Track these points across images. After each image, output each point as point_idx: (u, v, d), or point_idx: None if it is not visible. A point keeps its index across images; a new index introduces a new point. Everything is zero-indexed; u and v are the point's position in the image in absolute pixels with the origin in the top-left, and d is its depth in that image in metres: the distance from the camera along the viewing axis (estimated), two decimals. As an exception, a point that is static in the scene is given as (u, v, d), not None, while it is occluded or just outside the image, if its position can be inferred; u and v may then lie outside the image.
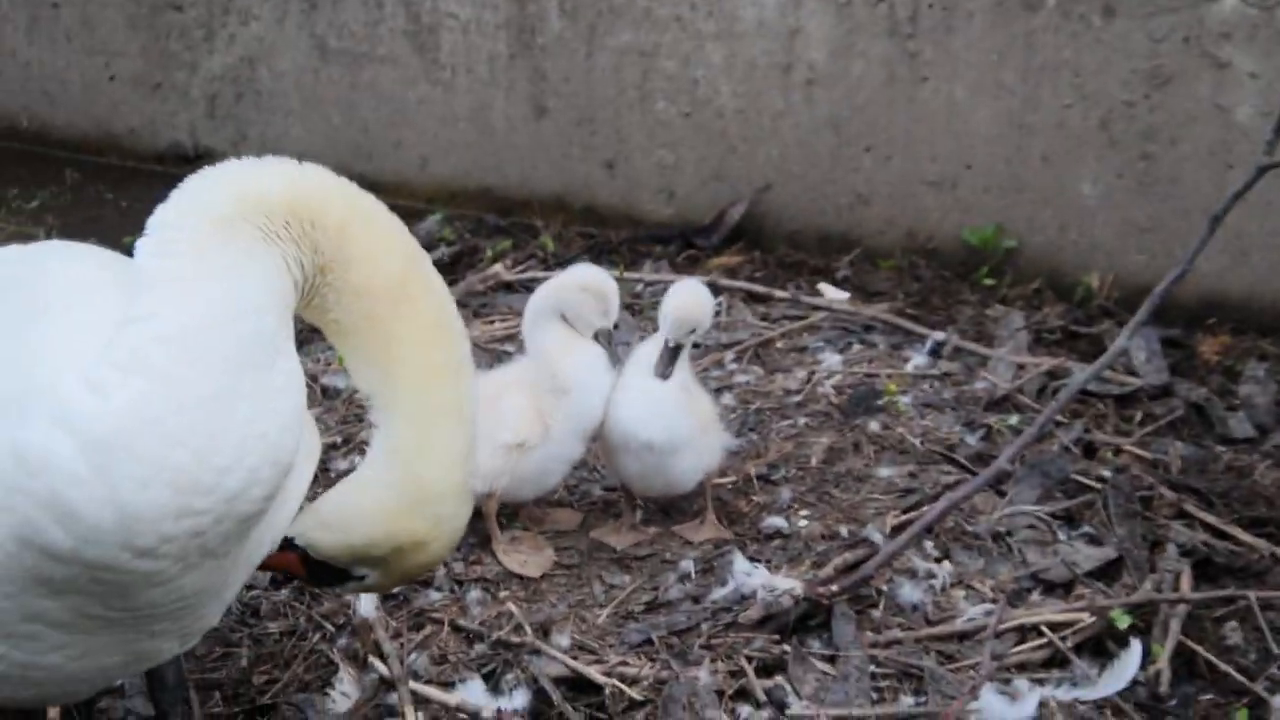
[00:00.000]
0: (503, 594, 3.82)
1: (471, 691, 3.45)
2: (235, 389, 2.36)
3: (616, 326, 4.17)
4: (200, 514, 2.32)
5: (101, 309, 2.43)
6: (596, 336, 4.03)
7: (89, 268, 2.70)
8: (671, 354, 3.97)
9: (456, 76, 6.23)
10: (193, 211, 2.50)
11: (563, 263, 4.46)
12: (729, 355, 4.99)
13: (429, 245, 5.69)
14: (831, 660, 3.56)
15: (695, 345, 4.24)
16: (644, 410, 3.95)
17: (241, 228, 2.51)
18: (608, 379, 4.04)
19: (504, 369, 4.25)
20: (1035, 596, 3.82)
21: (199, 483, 2.30)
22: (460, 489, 2.80)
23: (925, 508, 4.05)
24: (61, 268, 2.73)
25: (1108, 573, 3.92)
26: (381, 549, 2.80)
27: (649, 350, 4.02)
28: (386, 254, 2.69)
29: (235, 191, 2.54)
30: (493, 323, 5.27)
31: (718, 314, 5.11)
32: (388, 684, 3.47)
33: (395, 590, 3.78)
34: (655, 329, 4.10)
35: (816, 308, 5.39)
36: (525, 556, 3.97)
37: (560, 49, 6.04)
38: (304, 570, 2.89)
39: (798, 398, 4.75)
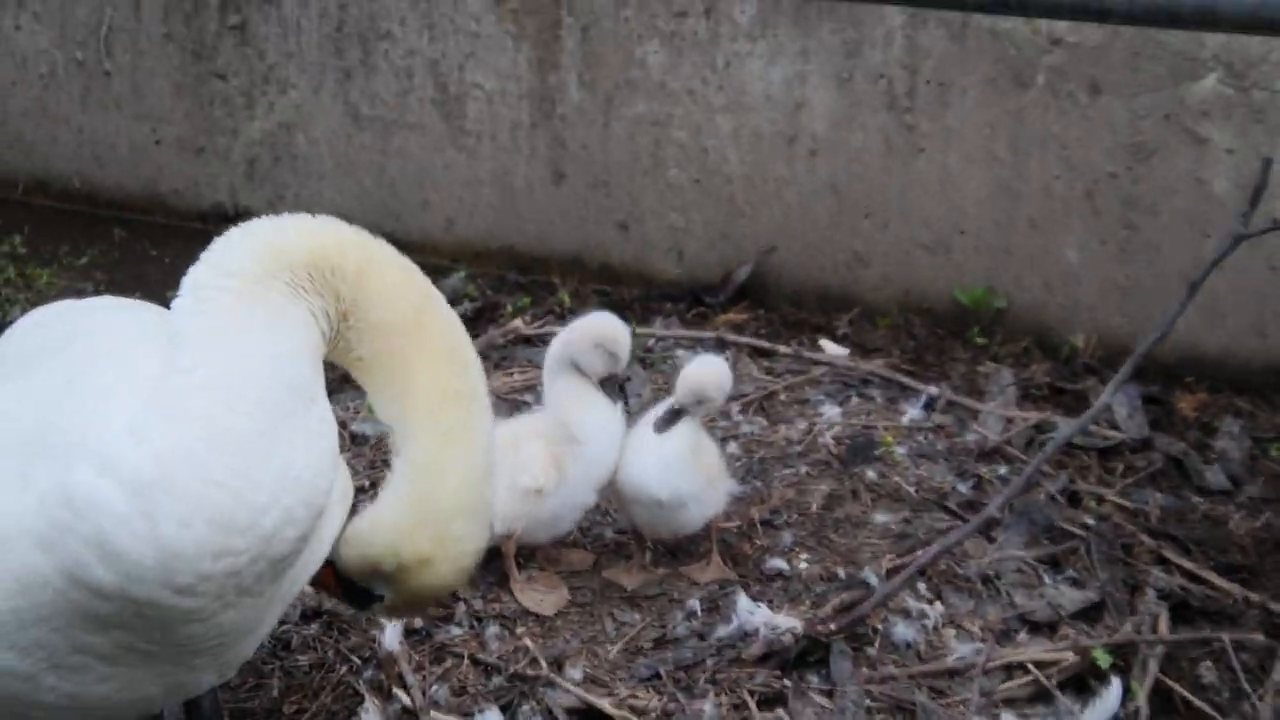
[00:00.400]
0: (519, 630, 3.83)
1: (489, 722, 3.46)
2: (272, 433, 2.39)
3: (629, 378, 4.18)
4: (237, 553, 2.35)
5: (145, 363, 2.46)
6: (603, 383, 4.04)
7: (135, 324, 2.74)
8: (673, 414, 3.99)
9: (481, 143, 6.27)
10: (224, 273, 2.54)
11: (575, 319, 4.47)
12: (735, 406, 5.00)
13: (453, 301, 5.66)
14: (829, 695, 3.57)
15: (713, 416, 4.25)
16: (655, 469, 3.97)
17: (270, 284, 2.55)
18: (620, 431, 4.05)
19: (523, 418, 4.26)
20: (1022, 636, 3.83)
21: (236, 522, 2.33)
22: (471, 510, 2.81)
23: (919, 552, 4.06)
24: (110, 323, 2.76)
25: (1090, 614, 3.92)
26: (390, 564, 2.81)
27: (660, 410, 4.05)
28: (401, 292, 2.74)
29: (261, 251, 2.59)
30: (512, 374, 5.28)
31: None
32: (411, 714, 3.48)
33: (417, 625, 3.80)
34: (665, 381, 4.12)
35: (817, 363, 5.40)
36: (541, 595, 3.98)
37: (579, 118, 6.09)
38: (336, 583, 2.92)
39: (799, 447, 4.76)
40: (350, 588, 2.92)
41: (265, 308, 2.52)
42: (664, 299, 5.99)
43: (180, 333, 2.46)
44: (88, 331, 2.74)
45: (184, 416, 2.33)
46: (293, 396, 2.46)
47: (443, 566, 2.81)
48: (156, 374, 2.40)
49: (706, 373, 4.04)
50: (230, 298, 2.50)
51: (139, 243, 6.81)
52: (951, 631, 3.83)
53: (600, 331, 4.03)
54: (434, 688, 3.59)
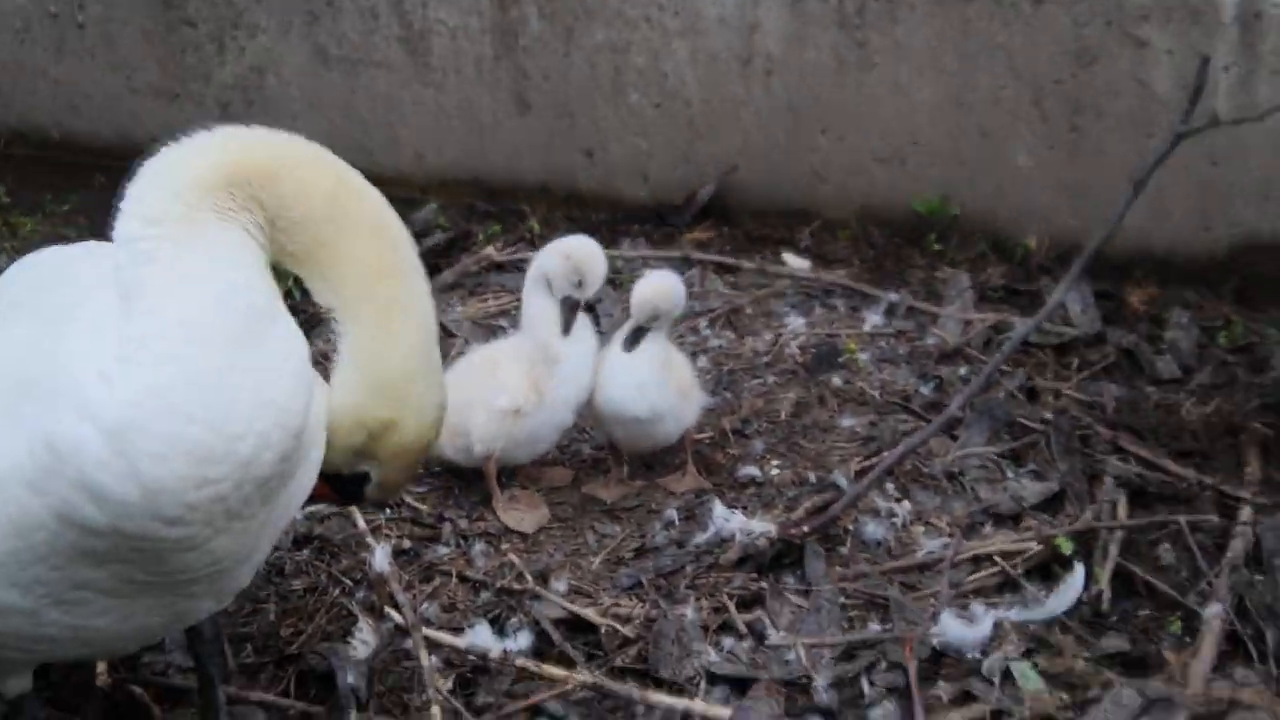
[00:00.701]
0: (504, 546, 3.82)
1: (479, 635, 3.45)
2: (238, 363, 2.36)
3: (600, 299, 4.15)
4: (219, 481, 2.33)
5: (115, 311, 2.41)
6: (563, 301, 3.99)
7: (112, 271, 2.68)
8: (636, 333, 3.98)
9: (446, 78, 6.19)
10: (150, 221, 2.46)
11: (548, 243, 4.42)
12: (703, 321, 4.98)
13: (426, 231, 5.64)
14: (805, 594, 3.58)
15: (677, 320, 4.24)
16: (631, 388, 3.97)
17: (199, 217, 2.47)
18: (594, 350, 4.03)
19: (501, 341, 4.24)
20: (987, 529, 3.84)
21: (213, 452, 2.31)
22: (421, 373, 2.76)
23: (885, 453, 4.06)
24: (89, 271, 2.72)
25: (1052, 505, 3.93)
26: (359, 439, 2.77)
27: (625, 330, 4.04)
28: (313, 183, 2.64)
29: (176, 189, 2.50)
30: (486, 300, 5.25)
31: (691, 285, 5.10)
32: (403, 631, 3.47)
33: (406, 546, 3.80)
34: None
35: (781, 275, 5.37)
36: (523, 513, 3.96)
37: (540, 49, 6.01)
38: (328, 487, 2.87)
39: (766, 358, 4.74)
40: (339, 484, 2.88)
41: (201, 243, 2.45)
42: (631, 221, 5.94)
43: (128, 286, 2.40)
44: (70, 278, 2.71)
45: (150, 361, 2.30)
46: (251, 322, 2.42)
47: (408, 425, 2.77)
48: (121, 322, 2.36)
49: (655, 287, 4.01)
50: (165, 244, 2.43)
51: (119, 188, 6.69)
52: (920, 528, 3.84)
53: (575, 256, 3.99)
54: (424, 605, 3.59)
